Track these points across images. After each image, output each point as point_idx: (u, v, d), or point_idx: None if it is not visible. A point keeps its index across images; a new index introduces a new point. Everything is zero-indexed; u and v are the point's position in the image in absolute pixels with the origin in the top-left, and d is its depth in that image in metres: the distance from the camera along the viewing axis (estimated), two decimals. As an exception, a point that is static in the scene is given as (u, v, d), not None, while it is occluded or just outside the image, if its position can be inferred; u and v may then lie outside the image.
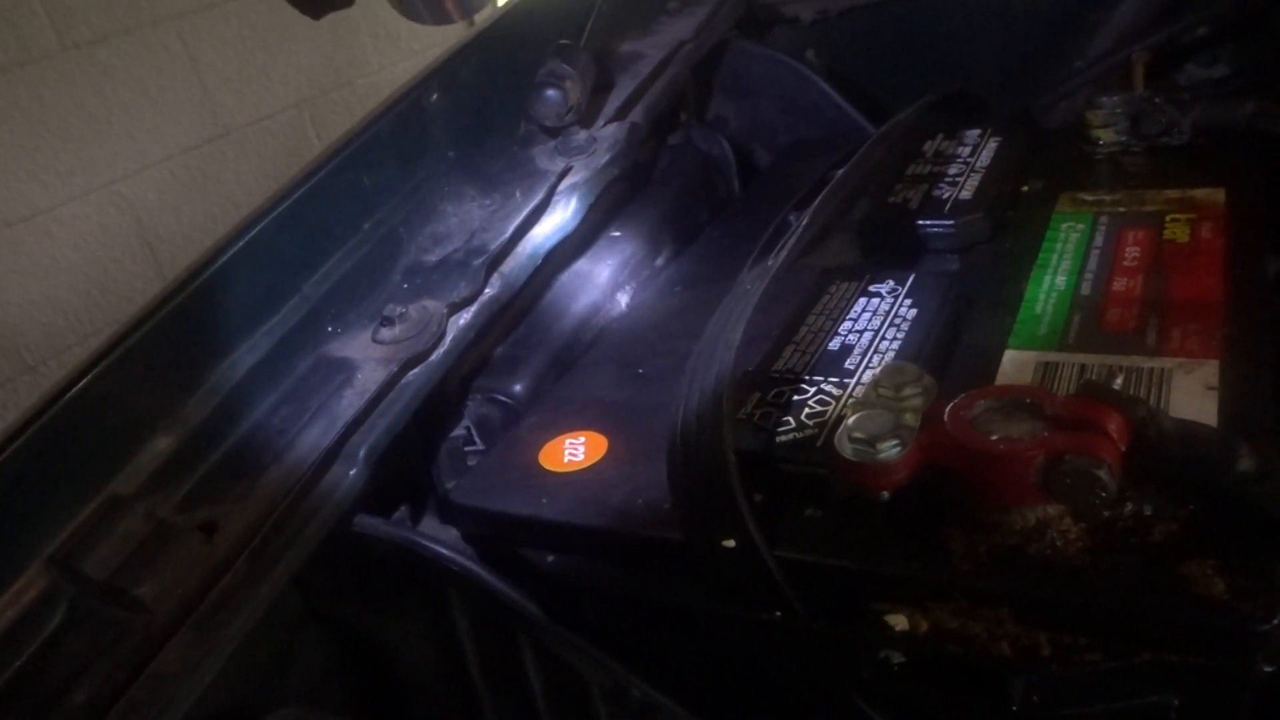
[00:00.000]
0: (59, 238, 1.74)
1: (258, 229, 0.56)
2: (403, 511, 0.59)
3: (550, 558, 0.51)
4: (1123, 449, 0.41)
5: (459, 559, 0.51)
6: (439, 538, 0.53)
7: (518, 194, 0.68)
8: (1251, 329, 0.52)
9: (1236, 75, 0.82)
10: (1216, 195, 0.64)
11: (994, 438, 0.42)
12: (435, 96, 0.67)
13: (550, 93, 0.69)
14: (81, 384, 0.49)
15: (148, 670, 0.43)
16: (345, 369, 0.56)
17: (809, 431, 0.48)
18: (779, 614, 0.44)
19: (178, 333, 0.53)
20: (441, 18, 0.52)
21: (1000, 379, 0.52)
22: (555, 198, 0.67)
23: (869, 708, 0.43)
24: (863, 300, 0.59)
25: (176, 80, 1.88)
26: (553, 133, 0.71)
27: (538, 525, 0.51)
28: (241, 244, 0.56)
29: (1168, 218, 0.63)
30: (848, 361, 0.53)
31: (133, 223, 1.83)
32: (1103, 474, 0.40)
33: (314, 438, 0.53)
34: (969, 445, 0.42)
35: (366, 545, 0.53)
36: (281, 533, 0.49)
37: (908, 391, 0.45)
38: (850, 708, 0.44)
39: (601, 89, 0.77)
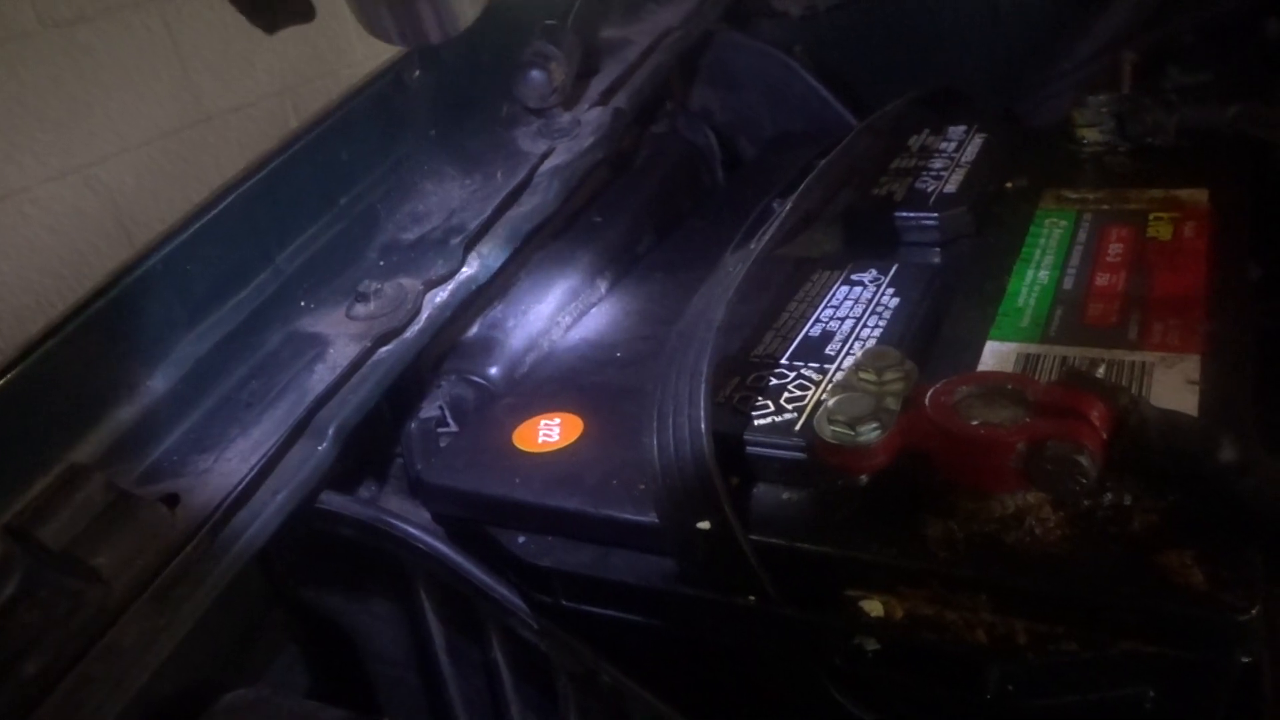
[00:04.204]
0: (33, 219, 1.71)
1: (230, 199, 0.55)
2: (372, 491, 0.58)
3: (521, 539, 0.50)
4: (1105, 437, 0.40)
5: (427, 539, 0.50)
6: (407, 517, 0.52)
7: (499, 174, 0.67)
8: (1233, 325, 0.51)
9: (1220, 81, 0.82)
10: (1200, 195, 0.64)
11: (975, 423, 0.42)
12: (417, 73, 0.66)
13: (534, 73, 0.68)
14: (41, 350, 0.48)
15: (102, 642, 0.42)
16: (317, 344, 0.55)
17: (787, 415, 0.48)
18: (752, 598, 0.43)
19: (143, 301, 0.52)
20: (415, 38, 0.49)
21: (981, 369, 0.51)
22: (536, 179, 0.66)
23: (841, 695, 0.43)
24: (845, 288, 0.58)
25: (158, 63, 1.85)
26: (536, 114, 0.70)
27: (510, 505, 0.50)
28: (213, 214, 0.54)
29: (1151, 216, 0.63)
30: (828, 348, 0.53)
31: (109, 206, 1.80)
32: (1084, 460, 0.39)
33: (282, 412, 0.51)
34: (950, 430, 0.42)
35: (334, 524, 0.52)
36: (245, 507, 0.47)
37: (889, 375, 0.45)
38: (822, 695, 0.43)
39: (586, 73, 0.76)
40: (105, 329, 0.50)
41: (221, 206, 0.55)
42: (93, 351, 0.50)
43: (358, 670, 0.59)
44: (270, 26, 0.51)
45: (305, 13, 0.50)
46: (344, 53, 2.11)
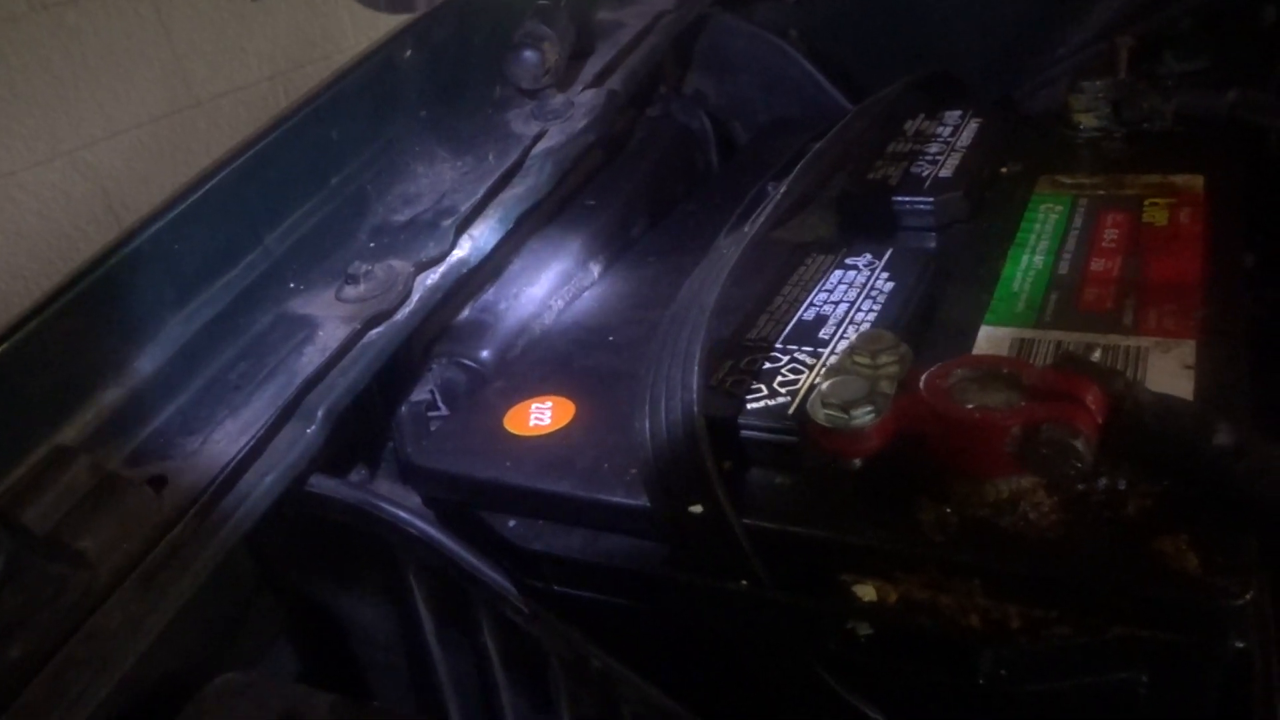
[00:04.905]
0: (22, 203, 1.69)
1: (219, 178, 0.55)
2: (362, 475, 0.58)
3: (512, 523, 0.49)
4: (1100, 421, 0.40)
5: (417, 522, 0.50)
6: (398, 501, 0.52)
7: (490, 156, 0.66)
8: (1229, 311, 0.51)
9: (1217, 67, 0.82)
10: (1195, 181, 0.64)
11: (970, 407, 0.41)
12: (408, 53, 0.66)
13: (527, 53, 0.67)
14: (26, 330, 0.47)
15: (87, 626, 0.42)
16: (306, 326, 0.55)
17: (781, 399, 0.47)
18: (745, 583, 0.43)
19: (130, 281, 0.51)
20: (403, 6, 0.47)
21: (975, 354, 0.51)
22: (529, 161, 0.66)
23: (834, 680, 0.42)
24: (839, 272, 0.58)
25: (148, 47, 1.83)
26: (529, 95, 0.70)
27: (500, 489, 0.49)
28: (201, 192, 0.54)
29: (1146, 202, 0.63)
30: (822, 331, 0.52)
31: (99, 191, 1.78)
32: (1079, 444, 0.39)
33: (271, 394, 0.51)
34: (944, 414, 0.41)
35: (323, 507, 0.52)
36: (233, 489, 0.47)
37: (884, 359, 0.44)
38: (815, 680, 0.43)
39: (580, 55, 0.75)
40: (91, 309, 0.49)
41: (210, 186, 0.54)
42: (79, 332, 0.49)
43: (347, 654, 0.59)
44: None
45: None
46: (336, 37, 2.09)
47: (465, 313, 0.63)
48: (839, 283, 0.57)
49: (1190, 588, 0.37)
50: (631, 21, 0.80)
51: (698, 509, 0.43)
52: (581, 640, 0.48)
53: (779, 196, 0.57)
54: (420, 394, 0.59)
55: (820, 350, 0.51)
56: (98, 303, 0.50)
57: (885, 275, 0.57)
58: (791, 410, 0.46)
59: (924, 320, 0.55)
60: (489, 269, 0.65)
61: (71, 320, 0.49)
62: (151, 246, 0.51)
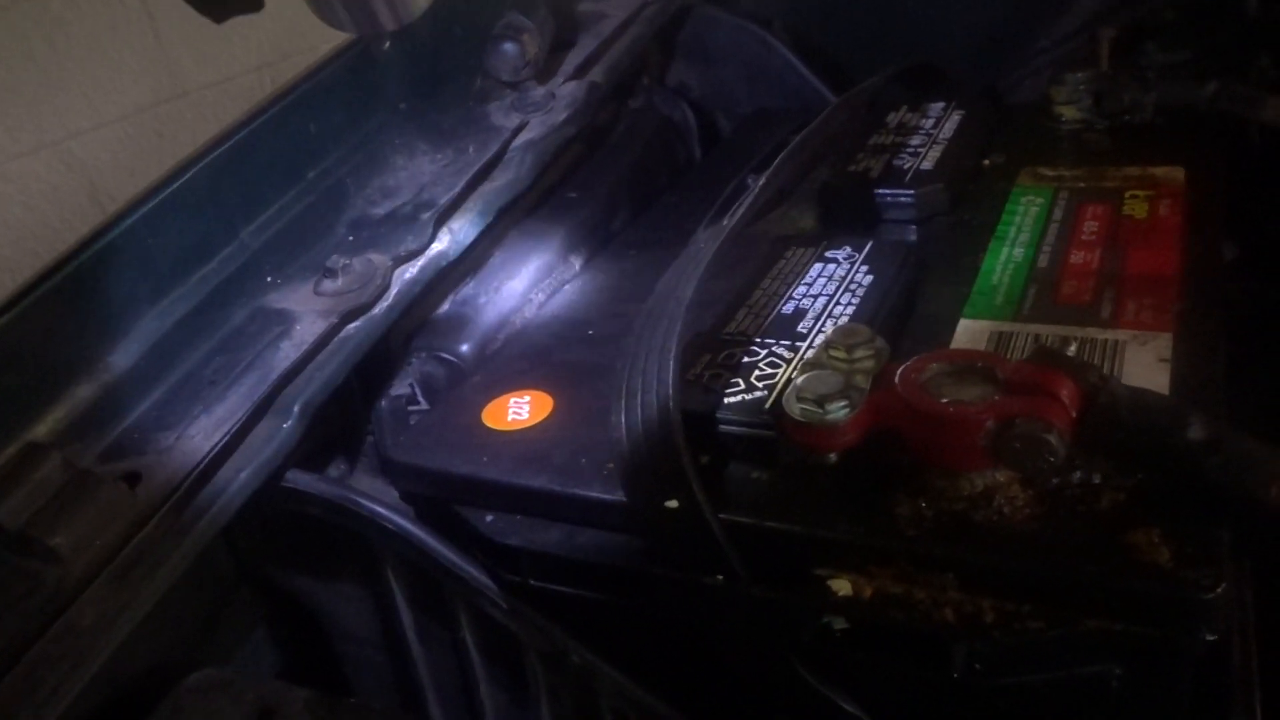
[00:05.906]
0: (7, 195, 1.67)
1: (194, 171, 0.54)
2: (341, 470, 0.58)
3: (489, 518, 0.49)
4: (1074, 415, 0.40)
5: (394, 518, 0.50)
6: (375, 496, 0.52)
7: (470, 149, 0.66)
8: (1206, 304, 0.51)
9: (1198, 58, 0.82)
10: (1176, 174, 0.64)
11: (944, 401, 0.41)
12: (387, 45, 0.65)
13: (507, 45, 0.67)
14: (-2, 324, 0.47)
15: (60, 623, 0.41)
16: (283, 320, 0.54)
17: (758, 393, 0.47)
18: (721, 578, 0.43)
19: (104, 275, 0.50)
20: (369, 26, 0.46)
21: (954, 347, 0.51)
22: (509, 153, 0.65)
23: (809, 674, 0.42)
24: (818, 266, 0.58)
25: (133, 37, 1.81)
26: (509, 87, 0.69)
27: (478, 484, 0.49)
28: (176, 185, 0.53)
29: (1127, 194, 0.63)
30: (800, 325, 0.52)
31: (84, 183, 1.76)
32: (1052, 439, 0.39)
33: (247, 389, 0.50)
34: (919, 408, 0.41)
35: (301, 502, 0.52)
36: (208, 485, 0.47)
37: (859, 353, 0.44)
38: (790, 674, 0.43)
39: (561, 46, 0.75)
40: (64, 303, 0.49)
41: (185, 179, 0.54)
42: (51, 326, 0.49)
43: (325, 649, 0.59)
44: (220, 17, 0.51)
45: (254, 3, 0.49)
46: (323, 28, 2.07)
47: (445, 306, 0.63)
48: (818, 276, 0.57)
49: (1162, 581, 0.37)
50: (613, 12, 0.80)
51: (674, 504, 0.42)
52: (560, 635, 0.48)
53: (758, 189, 0.57)
54: (400, 388, 0.59)
55: (798, 344, 0.51)
56: (71, 297, 0.49)
57: (864, 268, 0.56)
58: (768, 404, 0.46)
59: (903, 314, 0.55)
60: (469, 262, 0.64)
61: (44, 314, 0.48)
62: (126, 240, 0.51)
